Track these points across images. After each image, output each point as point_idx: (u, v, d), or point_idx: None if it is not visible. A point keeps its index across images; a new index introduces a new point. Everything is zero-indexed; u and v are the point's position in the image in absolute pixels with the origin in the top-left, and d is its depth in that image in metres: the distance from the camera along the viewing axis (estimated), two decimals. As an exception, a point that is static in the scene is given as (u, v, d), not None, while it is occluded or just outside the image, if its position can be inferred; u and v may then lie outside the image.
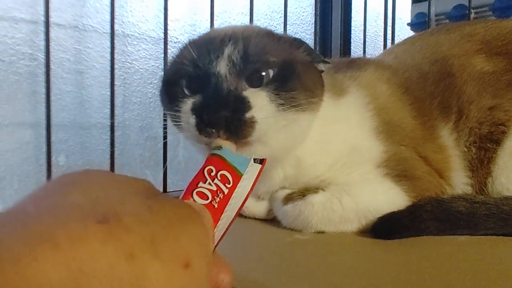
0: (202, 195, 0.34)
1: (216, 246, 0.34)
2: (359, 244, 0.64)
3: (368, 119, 0.73)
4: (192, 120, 0.59)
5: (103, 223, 0.22)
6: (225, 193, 0.35)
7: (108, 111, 1.00)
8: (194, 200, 0.34)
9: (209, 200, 0.34)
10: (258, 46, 0.63)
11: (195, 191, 0.35)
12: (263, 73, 0.62)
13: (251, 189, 0.38)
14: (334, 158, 0.71)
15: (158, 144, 1.17)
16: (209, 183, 0.36)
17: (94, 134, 1.13)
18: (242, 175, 0.38)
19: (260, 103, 0.59)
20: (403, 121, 0.75)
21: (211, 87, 0.60)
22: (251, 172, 0.39)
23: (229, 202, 0.35)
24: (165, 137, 1.03)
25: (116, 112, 1.00)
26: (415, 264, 0.55)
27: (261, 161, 0.41)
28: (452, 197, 0.68)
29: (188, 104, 0.61)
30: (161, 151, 1.05)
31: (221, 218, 0.34)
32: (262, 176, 0.72)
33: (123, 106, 1.16)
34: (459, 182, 0.75)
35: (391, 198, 0.68)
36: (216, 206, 0.34)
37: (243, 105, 0.59)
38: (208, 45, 0.64)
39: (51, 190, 0.26)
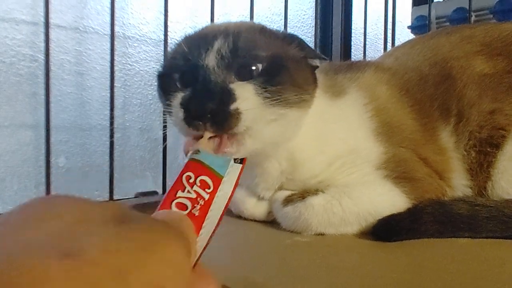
0: (181, 206, 0.33)
1: (201, 254, 0.33)
2: (359, 246, 0.64)
3: (367, 120, 0.73)
4: (180, 114, 0.59)
5: (66, 260, 0.21)
6: (206, 199, 0.34)
7: (108, 112, 1.00)
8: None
9: (188, 209, 0.33)
10: (248, 40, 0.64)
11: (174, 202, 0.33)
12: (253, 67, 0.62)
13: (233, 190, 0.37)
14: (331, 157, 0.71)
15: (158, 146, 1.17)
16: (188, 191, 0.34)
17: (94, 135, 1.13)
18: (222, 177, 0.37)
19: (245, 95, 0.59)
20: (403, 123, 0.75)
21: (200, 80, 0.60)
22: (232, 173, 0.38)
23: (210, 208, 0.34)
24: (164, 139, 1.03)
25: (116, 114, 1.00)
26: (416, 266, 0.55)
27: (241, 161, 0.40)
28: (453, 200, 0.68)
29: (178, 97, 0.61)
30: (161, 153, 1.05)
31: (203, 226, 0.33)
32: (259, 171, 0.73)
33: (123, 108, 1.16)
34: (459, 184, 0.75)
35: (391, 200, 0.68)
36: (197, 214, 0.33)
37: (228, 97, 0.58)
38: (199, 40, 0.65)
39: (8, 226, 0.24)
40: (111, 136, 0.98)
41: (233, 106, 0.58)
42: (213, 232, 0.34)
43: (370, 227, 0.67)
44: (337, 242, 0.65)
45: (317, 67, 0.70)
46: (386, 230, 0.64)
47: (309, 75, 0.69)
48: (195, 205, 0.34)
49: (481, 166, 0.73)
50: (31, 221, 0.24)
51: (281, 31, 0.72)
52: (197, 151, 0.40)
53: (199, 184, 0.35)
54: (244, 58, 0.62)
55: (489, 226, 0.64)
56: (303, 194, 0.69)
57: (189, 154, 0.39)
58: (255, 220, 0.77)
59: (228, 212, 0.83)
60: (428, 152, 0.74)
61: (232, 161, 0.39)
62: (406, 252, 0.60)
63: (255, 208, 0.77)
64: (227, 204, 0.36)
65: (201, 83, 0.60)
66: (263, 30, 0.68)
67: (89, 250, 0.22)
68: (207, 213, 0.34)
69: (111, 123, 0.98)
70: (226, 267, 0.56)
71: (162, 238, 0.25)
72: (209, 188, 0.35)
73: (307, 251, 0.62)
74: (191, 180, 0.35)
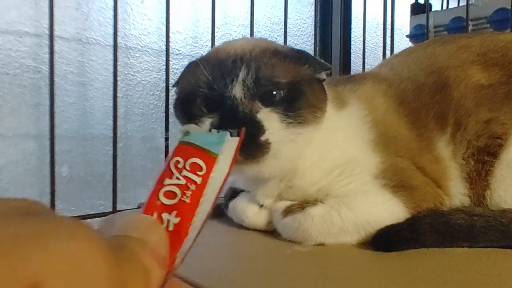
0: (170, 194, 0.30)
1: (191, 246, 0.30)
2: (359, 256, 0.64)
3: (365, 131, 0.75)
4: None
5: None
6: (198, 182, 0.31)
7: (110, 122, 1.01)
8: (162, 202, 0.30)
9: (178, 197, 0.30)
10: (268, 68, 0.68)
11: (161, 191, 0.31)
12: (274, 93, 0.68)
13: (231, 167, 0.33)
14: (330, 165, 0.72)
15: (160, 155, 1.18)
16: (177, 177, 0.31)
17: (97, 145, 1.14)
18: (217, 155, 0.32)
19: (273, 126, 0.65)
20: (399, 133, 0.76)
21: (227, 108, 0.65)
22: (227, 148, 0.33)
23: (204, 192, 0.31)
24: (166, 148, 1.04)
25: (118, 123, 1.01)
26: (415, 276, 0.56)
27: (238, 133, 0.36)
28: (451, 210, 0.69)
29: (206, 123, 0.67)
30: (163, 162, 1.06)
31: (196, 213, 0.30)
32: (258, 179, 0.74)
33: (125, 117, 1.17)
34: (457, 192, 0.75)
35: (389, 209, 0.69)
36: (188, 201, 0.30)
37: (258, 129, 0.64)
38: (221, 67, 0.69)
39: None
40: (114, 146, 0.99)
41: (263, 138, 0.64)
42: (206, 219, 0.31)
43: (370, 237, 0.67)
44: (337, 252, 0.66)
45: (324, 79, 0.74)
46: (385, 240, 0.65)
47: (320, 93, 0.73)
48: (185, 191, 0.31)
49: (479, 174, 0.74)
50: None
51: (291, 50, 0.75)
52: (187, 132, 0.35)
53: (188, 169, 0.32)
54: (266, 87, 0.67)
55: (487, 236, 0.64)
56: (302, 205, 0.70)
57: (178, 138, 0.35)
58: (256, 230, 0.78)
59: (229, 221, 0.84)
60: (424, 161, 0.75)
61: (228, 135, 0.35)
62: (405, 262, 0.60)
63: (256, 217, 0.78)
64: (223, 183, 0.32)
65: (229, 111, 0.65)
66: (277, 52, 0.72)
67: None
68: (200, 198, 0.31)
69: (114, 133, 0.99)
70: (226, 276, 0.57)
71: (61, 232, 0.21)
72: (201, 171, 0.32)
73: (307, 261, 0.63)
74: (180, 165, 0.32)
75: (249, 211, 0.78)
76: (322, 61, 0.74)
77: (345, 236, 0.68)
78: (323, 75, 0.74)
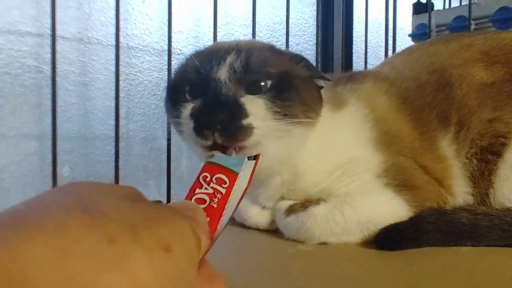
0: (200, 201, 0.37)
1: (214, 240, 0.36)
2: (362, 255, 0.64)
3: (367, 130, 0.74)
4: (190, 124, 0.61)
5: (85, 214, 0.24)
6: (223, 193, 0.38)
7: (112, 122, 1.01)
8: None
9: (207, 203, 0.37)
10: (259, 57, 0.66)
11: (193, 198, 0.37)
12: (262, 83, 0.64)
13: (249, 183, 0.40)
14: (332, 165, 0.72)
15: (161, 155, 1.18)
16: (206, 188, 0.38)
17: (98, 145, 1.14)
18: (237, 173, 0.40)
19: (257, 111, 0.61)
20: (402, 132, 0.76)
21: (211, 92, 0.62)
22: (246, 169, 0.41)
23: (228, 199, 0.37)
24: (168, 148, 1.04)
25: (120, 123, 1.01)
26: (418, 275, 0.55)
27: (255, 157, 0.43)
28: (455, 209, 0.69)
29: (188, 108, 0.63)
30: (165, 162, 1.06)
31: (222, 214, 0.36)
32: (261, 183, 0.73)
33: (127, 117, 1.17)
34: (460, 191, 0.75)
35: (392, 208, 0.69)
36: (215, 206, 0.37)
37: (240, 111, 0.60)
38: (212, 54, 0.67)
39: (40, 196, 0.27)
40: (117, 146, 0.98)
41: (246, 121, 0.60)
42: (227, 222, 0.37)
43: (373, 236, 0.67)
44: (340, 251, 0.66)
45: (322, 87, 0.72)
46: (388, 239, 0.65)
47: (316, 94, 0.71)
48: (213, 198, 0.37)
49: (482, 174, 0.74)
50: (55, 194, 0.28)
51: (289, 51, 0.74)
52: (211, 155, 0.43)
53: (215, 182, 0.38)
54: (255, 74, 0.64)
55: (491, 235, 0.64)
56: (305, 204, 0.70)
57: (204, 159, 0.43)
58: (258, 229, 0.78)
59: (231, 220, 0.84)
60: (427, 160, 0.75)
61: (246, 158, 0.42)
62: (408, 261, 0.60)
63: (258, 216, 0.78)
64: (242, 195, 0.39)
65: (212, 95, 0.62)
66: (272, 48, 0.71)
67: (106, 209, 0.25)
68: (225, 204, 0.37)
69: (116, 133, 0.99)
70: (229, 275, 0.57)
71: (171, 215, 0.29)
72: (225, 184, 0.38)
73: (310, 260, 0.63)
74: (208, 179, 0.39)
75: (252, 211, 0.78)
76: (323, 73, 0.73)
77: (348, 235, 0.68)
78: (320, 82, 0.71)
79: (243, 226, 0.79)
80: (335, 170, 0.72)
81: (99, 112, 1.13)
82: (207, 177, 0.39)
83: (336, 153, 0.73)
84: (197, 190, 0.38)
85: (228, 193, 0.38)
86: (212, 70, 0.63)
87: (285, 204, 0.72)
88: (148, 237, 0.24)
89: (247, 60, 0.64)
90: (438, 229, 0.64)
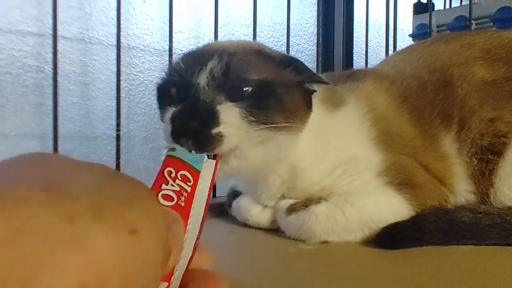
0: (167, 197, 0.35)
1: (195, 247, 0.34)
2: (363, 254, 0.64)
3: (366, 129, 0.74)
4: (168, 128, 0.60)
5: (46, 192, 0.23)
6: (188, 191, 0.36)
7: (113, 122, 1.01)
8: (162, 204, 0.34)
9: (175, 201, 0.35)
10: (241, 63, 0.64)
11: (160, 194, 0.35)
12: (243, 90, 0.63)
13: (210, 186, 0.38)
14: (332, 164, 0.72)
15: (162, 155, 1.18)
16: (172, 184, 0.36)
17: (99, 145, 1.14)
18: (200, 171, 0.38)
19: (230, 120, 0.60)
20: (402, 130, 0.76)
21: (190, 97, 0.61)
22: (207, 168, 0.39)
23: (194, 199, 0.36)
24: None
25: (121, 123, 1.01)
26: (419, 274, 0.55)
27: (214, 157, 0.42)
28: (456, 208, 0.69)
29: (170, 112, 0.62)
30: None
31: (190, 215, 0.35)
32: (261, 183, 0.74)
33: (127, 117, 1.17)
34: (462, 189, 0.75)
35: (393, 207, 0.69)
36: (183, 204, 0.35)
37: (212, 120, 0.59)
38: (196, 58, 0.66)
39: (5, 166, 0.26)
40: (118, 146, 0.98)
41: (215, 130, 0.58)
42: (201, 226, 0.35)
43: (374, 235, 0.67)
44: (341, 250, 0.66)
45: (315, 91, 0.70)
46: (389, 238, 0.65)
47: (300, 101, 0.69)
48: (180, 196, 0.35)
49: (483, 173, 0.74)
50: (21, 165, 0.26)
51: (280, 54, 0.72)
52: (173, 148, 0.41)
53: (180, 178, 0.37)
54: (234, 81, 0.63)
55: (492, 234, 0.64)
56: (306, 203, 0.70)
57: (165, 151, 0.41)
58: (260, 228, 0.78)
59: (232, 220, 0.84)
60: (428, 159, 0.75)
61: (206, 157, 0.40)
62: (409, 260, 0.60)
63: (259, 216, 0.78)
64: (207, 200, 0.37)
65: (191, 100, 0.61)
66: (260, 52, 0.69)
67: (71, 187, 0.24)
68: (191, 204, 0.35)
69: (117, 133, 0.99)
70: (231, 274, 0.57)
71: (143, 195, 0.27)
72: (189, 182, 0.37)
73: (311, 259, 0.63)
74: (173, 175, 0.37)
75: (253, 210, 0.78)
76: (318, 75, 0.71)
77: (349, 234, 0.68)
78: (313, 86, 0.70)
79: (245, 225, 0.79)
80: (336, 169, 0.72)
81: (100, 112, 1.13)
82: (171, 172, 0.37)
83: (335, 152, 0.73)
84: (163, 186, 0.36)
85: (193, 192, 0.36)
86: (193, 76, 0.63)
87: (286, 203, 0.72)
88: (113, 217, 0.23)
89: (228, 66, 0.63)
90: (440, 228, 0.64)
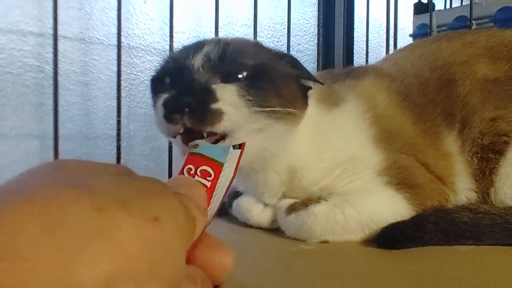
0: None
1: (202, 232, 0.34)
2: (363, 254, 0.64)
3: (366, 128, 0.73)
4: (161, 111, 0.59)
5: (74, 189, 0.24)
6: (208, 186, 0.36)
7: (113, 122, 1.01)
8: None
9: None
10: (237, 49, 0.64)
11: None
12: (238, 74, 0.62)
13: (234, 173, 0.39)
14: (331, 164, 0.72)
15: (162, 154, 1.18)
16: None
17: (100, 145, 1.14)
18: (223, 164, 0.38)
19: (228, 96, 0.59)
20: (402, 129, 0.75)
21: (184, 79, 0.61)
22: (231, 159, 0.39)
23: (214, 193, 0.36)
24: (170, 148, 1.04)
25: (121, 123, 1.01)
26: (419, 274, 0.55)
27: (240, 146, 0.41)
28: (456, 208, 0.69)
29: (162, 98, 0.61)
30: (166, 162, 1.06)
31: (208, 210, 0.35)
32: (262, 182, 0.74)
33: (128, 117, 1.17)
34: (463, 188, 0.75)
35: (393, 207, 0.69)
36: None
37: (209, 96, 0.58)
38: (192, 45, 0.66)
39: (28, 172, 0.28)
40: (118, 146, 0.98)
41: (215, 105, 0.58)
42: (214, 215, 0.36)
43: (374, 235, 0.67)
44: (341, 250, 0.66)
45: (310, 88, 0.70)
46: (390, 238, 0.65)
47: (297, 92, 0.69)
48: None
49: (483, 173, 0.74)
50: (44, 171, 0.28)
51: (276, 50, 0.72)
52: (196, 145, 0.41)
53: (199, 174, 0.37)
54: (229, 64, 0.62)
55: (493, 234, 0.64)
56: (305, 203, 0.69)
57: (188, 150, 0.41)
58: (260, 228, 0.78)
59: (233, 219, 0.84)
60: (429, 158, 0.74)
61: (231, 147, 0.41)
62: (410, 260, 0.60)
63: (260, 215, 0.78)
64: (228, 186, 0.38)
65: (185, 82, 0.60)
66: (256, 44, 0.70)
67: (94, 184, 0.26)
68: (210, 199, 0.36)
69: (118, 134, 0.99)
70: (230, 274, 0.57)
71: (161, 191, 0.29)
72: (210, 176, 0.37)
73: (311, 259, 0.62)
74: (192, 172, 0.37)
75: (254, 210, 0.78)
76: (312, 75, 0.71)
77: (349, 234, 0.68)
78: (309, 83, 0.70)
79: (245, 225, 0.79)
80: (335, 168, 0.72)
81: (101, 111, 1.13)
82: (191, 169, 0.37)
83: (334, 151, 0.73)
84: None
85: (213, 187, 0.37)
86: (187, 59, 0.62)
87: (286, 202, 0.72)
88: (136, 207, 0.25)
89: (224, 50, 0.63)
90: (440, 228, 0.64)
